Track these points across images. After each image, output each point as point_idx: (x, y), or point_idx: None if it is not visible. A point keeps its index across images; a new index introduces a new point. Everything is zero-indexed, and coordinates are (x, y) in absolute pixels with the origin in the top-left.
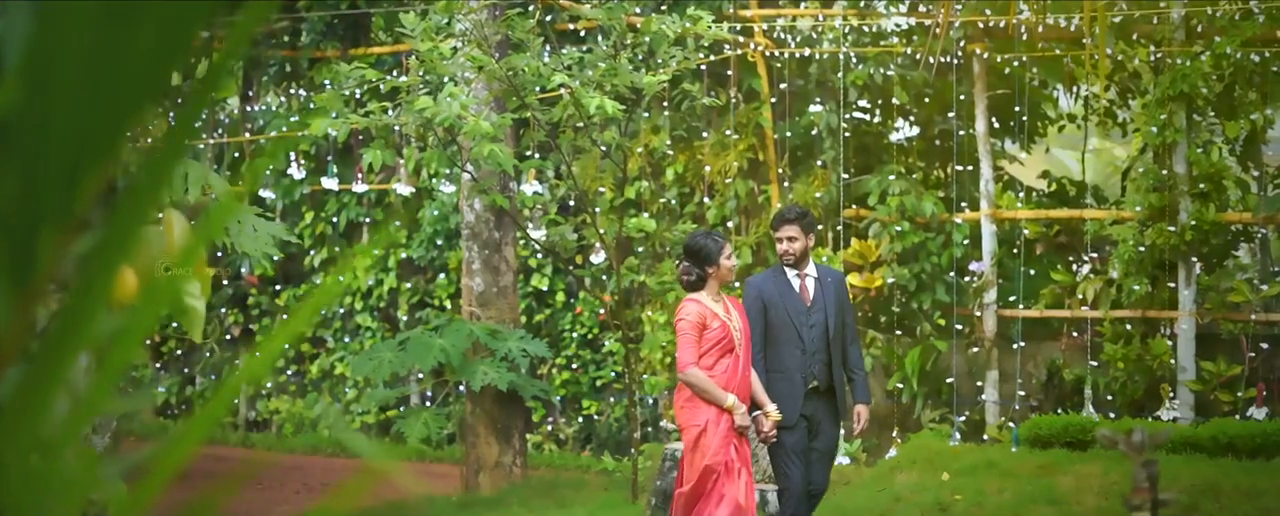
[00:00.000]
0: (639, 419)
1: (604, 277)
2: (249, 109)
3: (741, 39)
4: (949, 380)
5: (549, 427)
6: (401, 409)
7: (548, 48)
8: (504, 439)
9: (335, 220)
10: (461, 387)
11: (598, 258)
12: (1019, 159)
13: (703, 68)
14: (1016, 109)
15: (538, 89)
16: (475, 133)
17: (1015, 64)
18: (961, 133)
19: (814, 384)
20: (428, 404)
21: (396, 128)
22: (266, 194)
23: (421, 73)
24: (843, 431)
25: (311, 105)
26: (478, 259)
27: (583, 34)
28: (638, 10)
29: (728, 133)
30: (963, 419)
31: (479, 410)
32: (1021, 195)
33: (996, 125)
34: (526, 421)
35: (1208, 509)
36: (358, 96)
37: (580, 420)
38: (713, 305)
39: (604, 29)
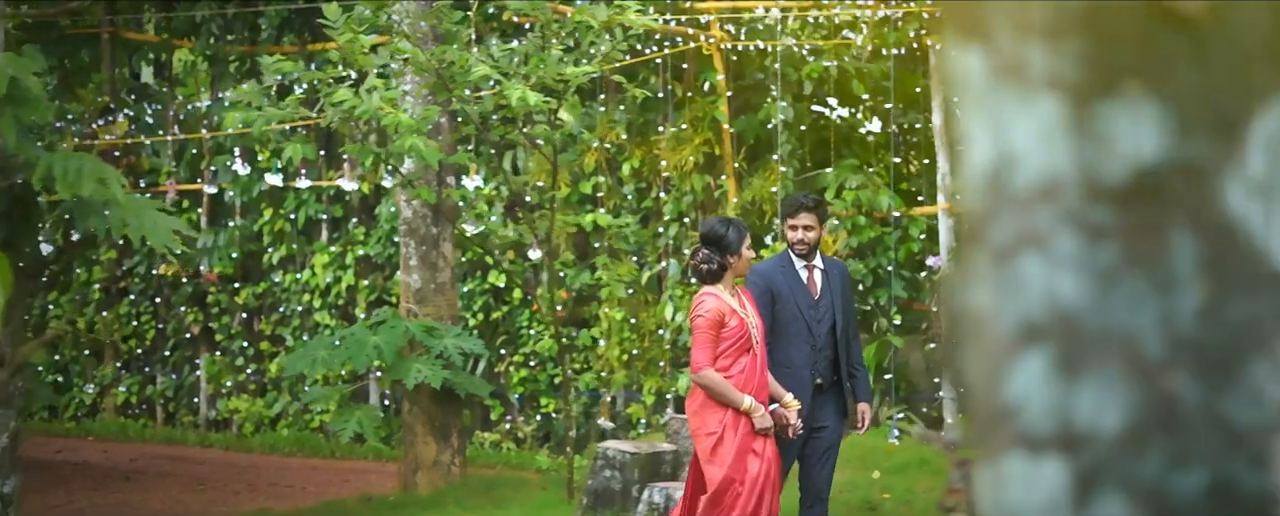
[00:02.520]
0: (575, 418)
1: (561, 274)
2: (207, 104)
3: (690, 30)
4: (887, 376)
5: (507, 426)
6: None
7: (490, 39)
8: (442, 437)
9: (293, 217)
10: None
11: (535, 254)
12: None
13: (659, 60)
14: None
15: (489, 83)
16: (394, 125)
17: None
18: (919, 125)
19: (819, 381)
20: (386, 402)
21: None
22: (210, 189)
23: (347, 67)
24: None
25: (269, 99)
26: (415, 255)
27: (529, 27)
28: (578, 1)
29: (683, 126)
30: (901, 417)
31: (416, 408)
32: None
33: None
34: (485, 419)
35: None
36: (301, 90)
37: (539, 418)
38: (729, 300)
39: (545, 21)
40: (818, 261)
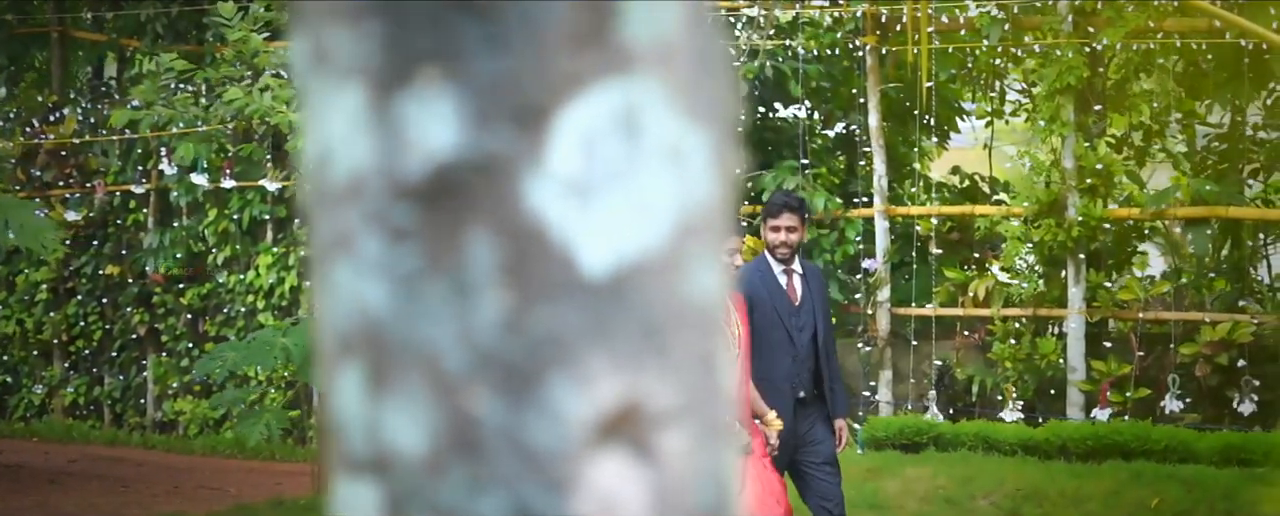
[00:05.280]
0: None
1: None
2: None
3: None
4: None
5: None
6: (301, 410)
7: None
8: None
9: (238, 217)
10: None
11: None
12: (929, 155)
13: None
14: (908, 104)
15: None
16: (287, 125)
17: (889, 56)
18: (857, 128)
19: (800, 394)
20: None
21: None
22: (138, 189)
23: (242, 65)
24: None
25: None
26: None
27: None
28: None
29: None
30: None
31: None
32: (934, 192)
33: (930, 121)
34: None
35: (1029, 513)
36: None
37: None
38: None
39: None
40: (797, 266)
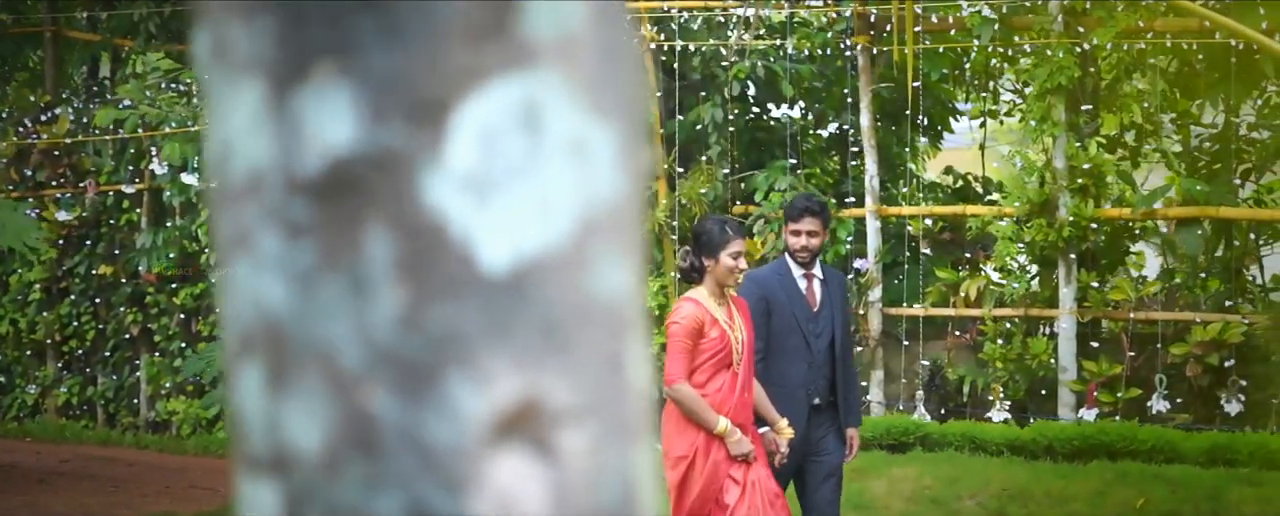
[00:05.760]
0: None
1: None
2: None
3: None
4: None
5: None
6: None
7: None
8: None
9: None
10: None
11: None
12: (922, 156)
13: None
14: (901, 104)
15: None
16: None
17: (881, 55)
18: (850, 128)
19: (816, 401)
20: None
21: None
22: (128, 189)
23: None
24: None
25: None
26: None
27: None
28: None
29: None
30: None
31: None
32: (926, 192)
33: (923, 121)
34: None
35: (1014, 513)
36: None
37: None
38: (715, 308)
39: None
40: (817, 270)
